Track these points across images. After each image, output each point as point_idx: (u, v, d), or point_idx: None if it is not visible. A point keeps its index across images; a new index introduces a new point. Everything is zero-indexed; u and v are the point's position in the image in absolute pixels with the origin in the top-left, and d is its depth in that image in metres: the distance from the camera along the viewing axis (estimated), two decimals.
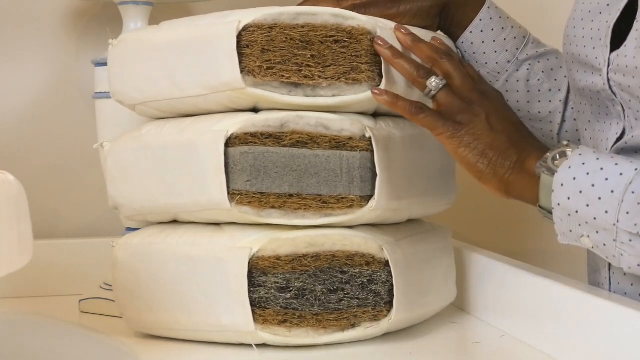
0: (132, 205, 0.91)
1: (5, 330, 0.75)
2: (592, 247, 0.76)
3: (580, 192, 0.74)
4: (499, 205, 1.42)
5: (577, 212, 0.74)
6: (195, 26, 0.86)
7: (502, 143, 0.81)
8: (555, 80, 1.01)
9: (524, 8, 1.28)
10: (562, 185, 0.75)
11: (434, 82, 0.83)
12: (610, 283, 0.87)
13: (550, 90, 1.01)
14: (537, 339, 0.85)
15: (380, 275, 0.85)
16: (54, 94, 1.30)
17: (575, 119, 1.01)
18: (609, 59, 0.83)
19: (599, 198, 0.73)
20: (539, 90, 1.01)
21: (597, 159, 0.74)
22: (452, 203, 1.00)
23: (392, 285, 0.85)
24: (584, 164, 0.74)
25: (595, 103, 0.87)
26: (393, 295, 0.85)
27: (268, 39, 0.82)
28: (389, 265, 0.85)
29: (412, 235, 0.92)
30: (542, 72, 1.01)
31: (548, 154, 0.77)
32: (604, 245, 0.74)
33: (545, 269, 0.90)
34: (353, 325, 0.85)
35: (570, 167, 0.75)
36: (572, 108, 1.01)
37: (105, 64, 1.07)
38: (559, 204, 0.75)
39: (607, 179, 0.73)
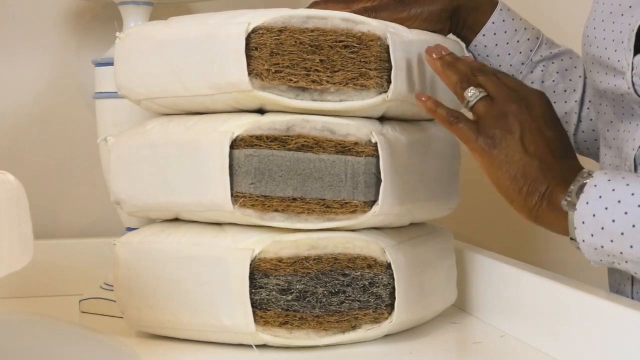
0: (133, 202, 0.91)
1: (5, 330, 0.75)
2: (626, 270, 0.76)
3: (602, 228, 0.73)
4: (501, 206, 1.42)
5: (602, 247, 0.74)
6: (204, 25, 0.85)
7: (533, 169, 0.78)
8: (570, 80, 1.01)
9: (536, 8, 1.28)
10: (583, 222, 0.74)
11: (471, 93, 0.82)
12: (632, 284, 0.87)
13: (565, 90, 1.01)
14: (537, 339, 0.85)
15: (382, 278, 0.85)
16: (54, 94, 1.30)
17: (591, 119, 1.01)
18: (632, 62, 0.82)
19: (622, 233, 0.72)
20: (554, 91, 1.01)
21: (613, 189, 0.73)
22: (455, 207, 1.00)
23: (393, 287, 0.85)
24: (600, 197, 0.73)
25: (619, 104, 0.86)
26: (394, 298, 0.85)
27: (277, 42, 0.82)
28: (390, 268, 0.85)
29: (413, 237, 0.92)
30: (557, 72, 1.00)
31: (572, 187, 0.76)
32: (635, 272, 0.75)
33: (552, 270, 0.90)
34: (354, 327, 0.85)
35: (587, 203, 0.74)
36: (589, 108, 1.01)
37: (105, 64, 1.07)
38: (583, 240, 0.75)
39: (626, 213, 0.72)
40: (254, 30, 0.82)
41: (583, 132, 1.02)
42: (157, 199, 0.89)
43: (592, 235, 0.74)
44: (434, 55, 0.85)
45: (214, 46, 0.83)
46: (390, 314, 0.86)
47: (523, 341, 0.87)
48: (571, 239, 0.77)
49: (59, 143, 1.30)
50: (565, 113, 1.01)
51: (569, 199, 0.76)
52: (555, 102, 1.01)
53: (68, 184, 1.31)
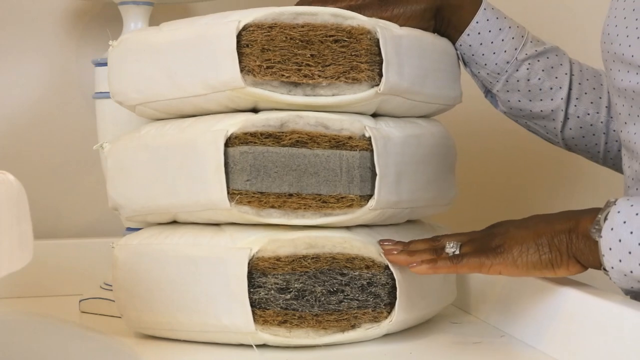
0: (131, 206, 0.92)
1: (5, 330, 0.75)
2: None
3: (630, 252, 0.73)
4: (501, 206, 1.42)
5: (631, 272, 0.74)
6: (195, 26, 0.86)
7: (544, 227, 0.79)
8: (556, 78, 1.01)
9: (529, 6, 1.28)
10: (610, 249, 0.74)
11: (450, 245, 0.83)
12: None
13: (551, 88, 1.01)
14: (537, 339, 0.85)
15: (380, 278, 0.85)
16: (54, 94, 1.30)
17: (579, 116, 1.01)
18: None
19: None
20: (540, 89, 1.01)
21: (637, 213, 0.73)
22: (452, 203, 1.00)
23: (392, 287, 0.85)
24: (625, 222, 0.73)
25: (636, 104, 0.85)
26: (393, 297, 0.85)
27: (268, 39, 0.82)
28: (389, 269, 0.85)
29: (412, 237, 0.92)
30: (542, 70, 1.00)
31: (600, 216, 0.76)
32: None
33: None
34: (353, 326, 0.85)
35: (612, 229, 0.74)
36: (576, 105, 1.01)
37: (105, 64, 1.07)
38: (612, 267, 0.75)
39: None
40: (244, 28, 0.82)
41: (570, 129, 1.02)
42: (155, 201, 0.89)
43: (620, 260, 0.74)
44: (394, 252, 0.85)
45: (206, 46, 0.84)
46: (389, 313, 0.86)
47: (523, 341, 0.87)
48: (604, 269, 0.76)
49: (59, 143, 1.30)
50: (552, 111, 1.01)
51: (597, 227, 0.76)
52: (541, 100, 1.01)
53: (68, 184, 1.31)
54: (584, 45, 1.10)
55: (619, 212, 0.74)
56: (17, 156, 1.28)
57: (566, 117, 1.01)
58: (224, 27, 0.83)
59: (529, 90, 1.01)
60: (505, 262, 0.80)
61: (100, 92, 1.09)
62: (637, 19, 0.84)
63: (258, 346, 0.83)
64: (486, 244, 0.81)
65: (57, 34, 1.30)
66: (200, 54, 0.84)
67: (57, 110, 1.30)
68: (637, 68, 0.84)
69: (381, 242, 0.87)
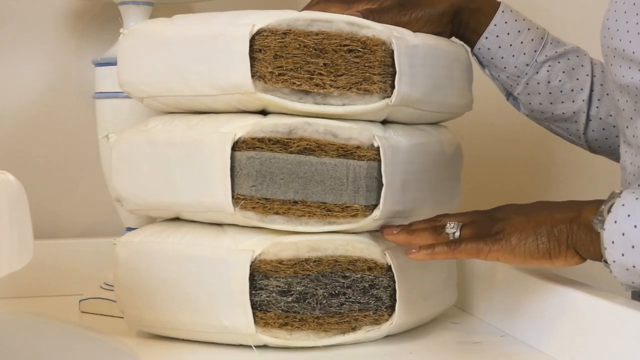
0: (134, 200, 0.91)
1: (5, 330, 0.75)
2: None
3: (633, 247, 0.72)
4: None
5: (634, 266, 0.73)
6: (209, 24, 0.85)
7: (545, 216, 0.78)
8: (577, 79, 1.00)
9: (543, 6, 1.27)
10: (612, 242, 0.73)
11: (450, 226, 0.82)
12: None
13: (572, 90, 1.00)
14: (537, 339, 0.85)
15: (382, 280, 0.85)
16: (54, 94, 1.30)
17: (601, 118, 1.00)
18: None
19: None
20: (561, 91, 1.00)
21: None
22: (456, 208, 0.99)
23: (393, 290, 0.85)
24: (629, 215, 0.72)
25: None
26: (394, 300, 0.85)
27: (281, 45, 0.81)
28: (391, 271, 0.85)
29: None
30: (563, 72, 1.00)
31: (603, 207, 0.74)
32: None
33: (552, 270, 0.89)
34: (354, 329, 0.85)
35: (616, 222, 0.73)
36: (597, 107, 1.00)
37: (105, 64, 1.07)
38: (614, 261, 0.74)
39: None
40: (258, 32, 0.81)
41: (593, 131, 1.01)
42: (158, 198, 0.89)
43: (622, 254, 0.73)
44: (394, 232, 0.85)
45: (218, 47, 0.83)
46: (390, 315, 0.86)
47: (523, 341, 0.87)
48: (605, 261, 0.75)
49: (59, 143, 1.30)
50: (574, 112, 1.01)
51: (600, 218, 0.74)
52: (562, 102, 1.01)
53: (68, 184, 1.31)
54: (580, 39, 1.10)
55: (623, 204, 0.73)
56: (17, 156, 1.28)
57: (588, 119, 1.01)
58: (238, 29, 0.82)
59: (550, 93, 1.00)
60: (503, 249, 0.79)
61: (100, 92, 1.09)
62: (637, 14, 0.83)
63: (258, 347, 0.83)
64: (486, 229, 0.80)
65: (57, 34, 1.30)
66: (212, 54, 0.83)
67: (57, 110, 1.30)
68: (638, 65, 0.83)
69: (382, 228, 0.86)
